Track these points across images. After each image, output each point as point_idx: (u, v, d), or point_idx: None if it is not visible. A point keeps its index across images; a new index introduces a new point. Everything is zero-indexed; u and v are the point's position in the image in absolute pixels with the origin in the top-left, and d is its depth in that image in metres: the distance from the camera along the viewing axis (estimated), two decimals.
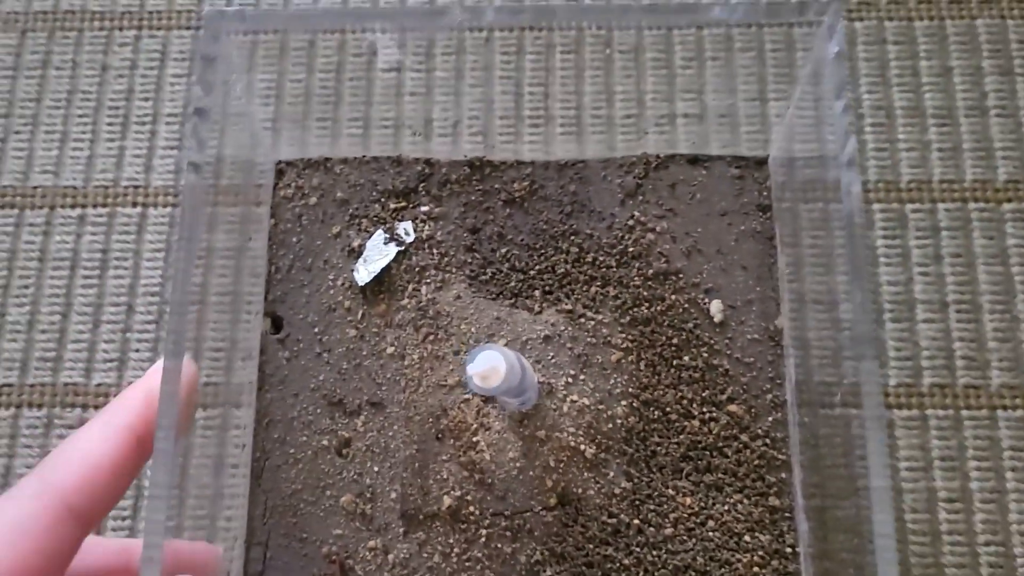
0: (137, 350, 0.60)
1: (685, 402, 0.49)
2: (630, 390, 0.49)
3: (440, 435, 0.49)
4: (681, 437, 0.49)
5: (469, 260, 0.52)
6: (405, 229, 0.52)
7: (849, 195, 0.40)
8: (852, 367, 0.40)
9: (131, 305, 0.61)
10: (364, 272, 0.51)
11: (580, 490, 0.48)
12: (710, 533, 0.47)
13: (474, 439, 0.48)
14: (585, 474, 0.48)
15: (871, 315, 0.40)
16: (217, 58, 0.43)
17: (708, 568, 0.47)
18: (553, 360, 0.49)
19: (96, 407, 0.59)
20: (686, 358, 0.50)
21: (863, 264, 0.40)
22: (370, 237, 0.52)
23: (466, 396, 0.49)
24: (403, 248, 0.52)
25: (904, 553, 0.54)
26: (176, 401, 0.39)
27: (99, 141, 0.64)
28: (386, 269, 0.51)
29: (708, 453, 0.48)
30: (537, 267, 0.52)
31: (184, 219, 0.42)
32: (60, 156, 0.64)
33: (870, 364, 0.38)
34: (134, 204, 0.63)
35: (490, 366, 0.41)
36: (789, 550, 0.47)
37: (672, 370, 0.50)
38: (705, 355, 0.50)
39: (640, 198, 0.52)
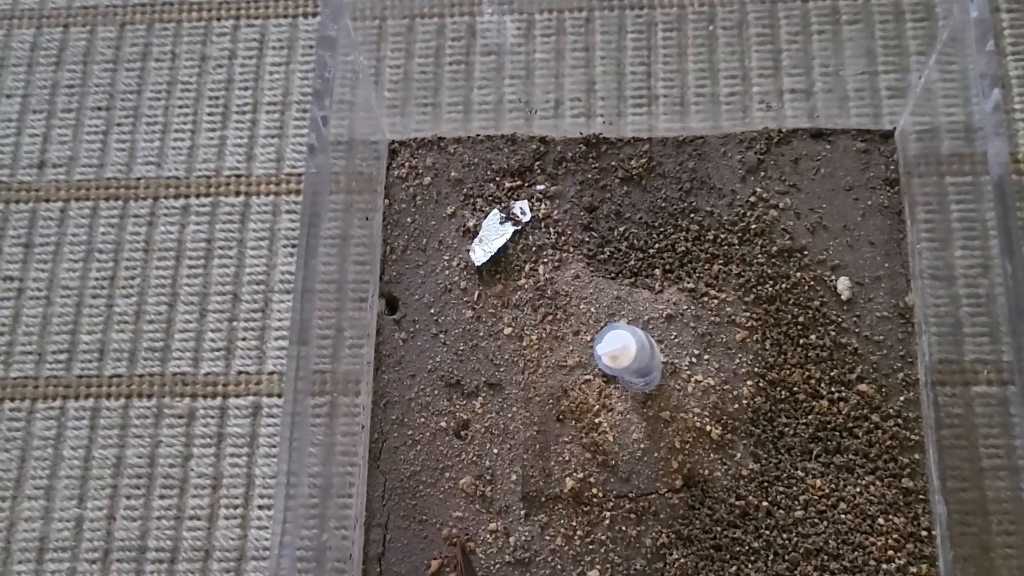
0: (244, 339, 0.60)
1: (813, 382, 0.48)
2: (755, 370, 0.48)
3: (561, 416, 0.48)
4: (809, 418, 0.47)
5: (587, 239, 0.51)
6: (521, 208, 0.52)
7: (997, 165, 0.39)
8: (1000, 344, 0.38)
9: (236, 294, 0.61)
10: (480, 252, 0.51)
11: (706, 472, 0.47)
12: (842, 516, 0.46)
13: (596, 420, 0.48)
14: (711, 455, 0.47)
15: (1022, 290, 0.38)
16: (337, 41, 0.43)
17: (841, 551, 0.46)
18: (676, 340, 0.48)
19: (204, 396, 0.59)
20: (813, 337, 0.49)
21: (1015, 236, 0.38)
22: (485, 217, 0.52)
23: (587, 377, 0.48)
24: (519, 227, 0.51)
25: (1022, 533, 0.52)
26: (304, 386, 0.39)
27: (200, 131, 0.64)
28: (502, 249, 0.51)
29: (838, 434, 0.47)
30: (656, 245, 0.51)
31: (309, 204, 0.42)
32: (162, 147, 0.64)
33: (1020, 340, 0.37)
34: (237, 193, 0.63)
35: (621, 345, 0.40)
36: (925, 533, 0.46)
37: (799, 349, 0.48)
38: (833, 333, 0.49)
39: (762, 174, 0.51)
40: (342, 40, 0.45)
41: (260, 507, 0.55)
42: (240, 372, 0.57)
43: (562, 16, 0.60)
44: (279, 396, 0.54)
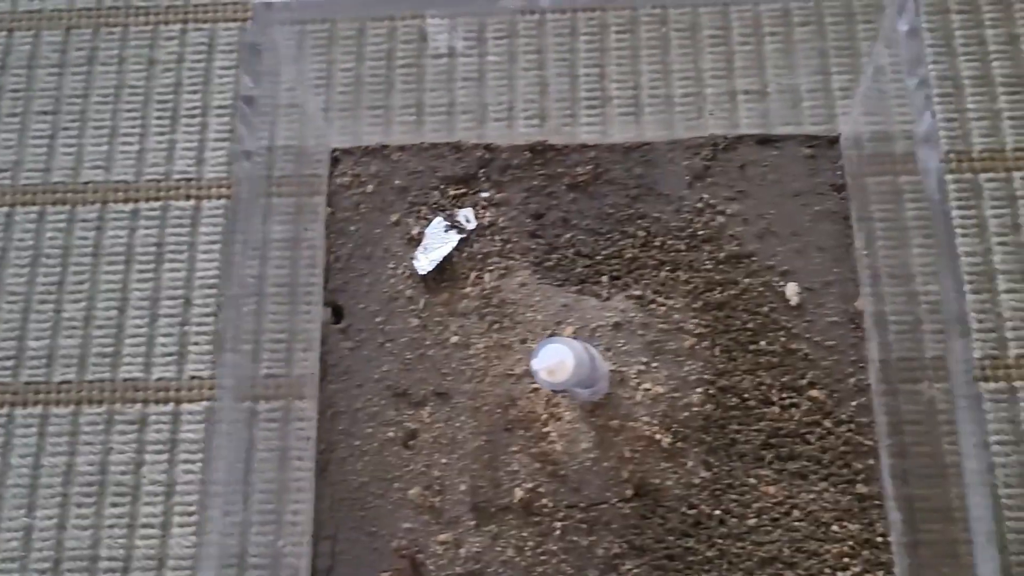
0: (196, 343, 0.59)
1: (764, 388, 0.48)
2: (705, 377, 0.47)
3: (509, 426, 0.48)
4: (761, 424, 0.47)
5: (533, 246, 0.51)
6: (466, 216, 0.51)
7: (928, 172, 0.39)
8: (937, 345, 0.38)
9: (188, 298, 0.60)
10: (425, 260, 0.50)
11: (658, 480, 0.46)
12: (796, 523, 0.46)
13: (545, 430, 0.47)
14: (662, 464, 0.46)
15: (960, 293, 0.38)
16: (264, 48, 0.43)
17: (796, 559, 0.45)
18: (624, 348, 0.48)
19: (156, 402, 0.58)
20: (763, 343, 0.48)
21: (950, 240, 0.38)
22: (429, 225, 0.51)
23: (535, 386, 0.48)
24: (464, 235, 0.51)
25: (1000, 531, 0.52)
26: (234, 395, 0.38)
27: (149, 135, 0.64)
28: (447, 257, 0.50)
29: (790, 440, 0.47)
30: (604, 252, 0.50)
31: (238, 209, 0.41)
32: (110, 151, 0.63)
33: (958, 343, 0.37)
34: (187, 197, 0.62)
35: (557, 360, 0.39)
36: (880, 539, 0.45)
37: (749, 355, 0.48)
38: (783, 339, 0.48)
39: (709, 180, 0.51)
40: (282, 46, 0.44)
41: (224, 514, 0.54)
42: (193, 377, 0.57)
43: (514, 22, 0.60)
44: (265, 400, 0.53)
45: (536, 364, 0.40)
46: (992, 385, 0.54)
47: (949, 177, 0.58)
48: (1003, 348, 0.55)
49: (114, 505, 0.57)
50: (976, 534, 0.34)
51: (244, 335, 0.40)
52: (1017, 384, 0.54)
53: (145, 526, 0.56)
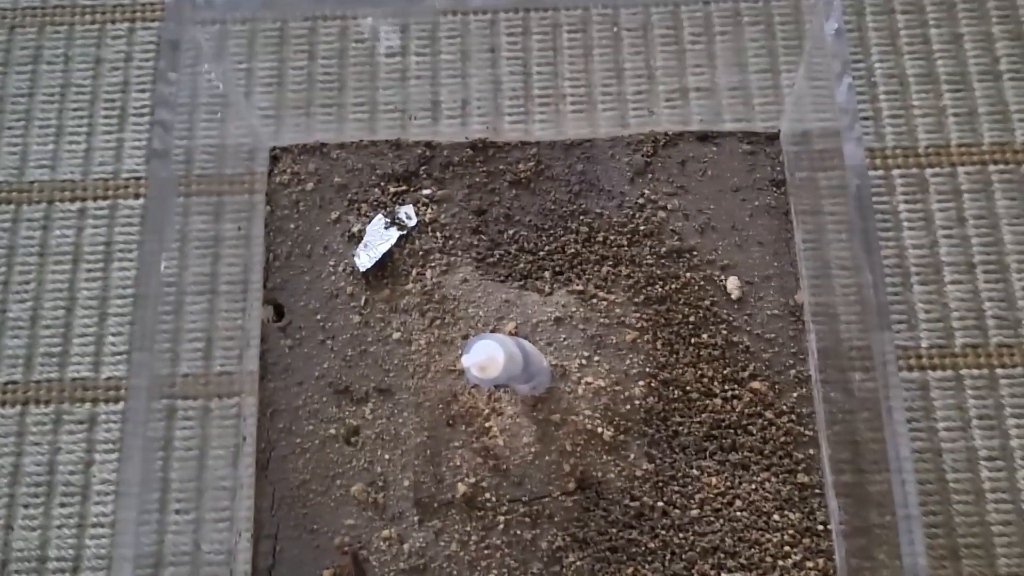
0: None
1: (706, 380, 0.48)
2: (647, 370, 0.47)
3: (451, 421, 0.47)
4: (703, 416, 0.47)
5: (475, 242, 0.50)
6: (407, 213, 0.51)
7: (854, 170, 0.39)
8: (866, 337, 0.38)
9: (138, 306, 0.59)
10: (365, 257, 0.50)
11: (600, 473, 0.46)
12: (738, 513, 0.46)
13: (487, 424, 0.47)
14: (604, 457, 0.46)
15: (882, 287, 0.38)
16: (181, 45, 0.42)
17: (737, 549, 0.45)
18: (566, 342, 0.48)
19: (106, 401, 0.58)
20: (704, 336, 0.48)
21: (868, 236, 0.38)
22: (370, 222, 0.51)
23: None
24: (405, 232, 0.50)
25: (947, 513, 0.53)
26: (146, 394, 0.38)
27: (96, 134, 0.63)
28: (388, 254, 0.50)
29: (732, 432, 0.47)
30: (546, 248, 0.50)
31: (151, 207, 0.41)
32: (56, 150, 0.63)
33: (882, 335, 0.37)
34: (136, 195, 0.62)
35: (487, 355, 0.39)
36: (821, 527, 0.45)
37: (690, 348, 0.48)
38: (724, 332, 0.48)
39: (650, 176, 0.51)
40: (205, 45, 0.44)
41: (176, 511, 0.54)
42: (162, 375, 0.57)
43: (446, 21, 0.60)
44: (193, 399, 0.53)
45: (466, 361, 0.39)
46: (940, 373, 0.55)
47: (896, 172, 0.59)
48: (950, 338, 0.56)
49: (63, 505, 0.56)
50: (901, 519, 0.35)
51: (164, 334, 0.40)
52: (963, 372, 0.55)
53: (95, 525, 0.56)
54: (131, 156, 0.63)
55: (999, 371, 0.55)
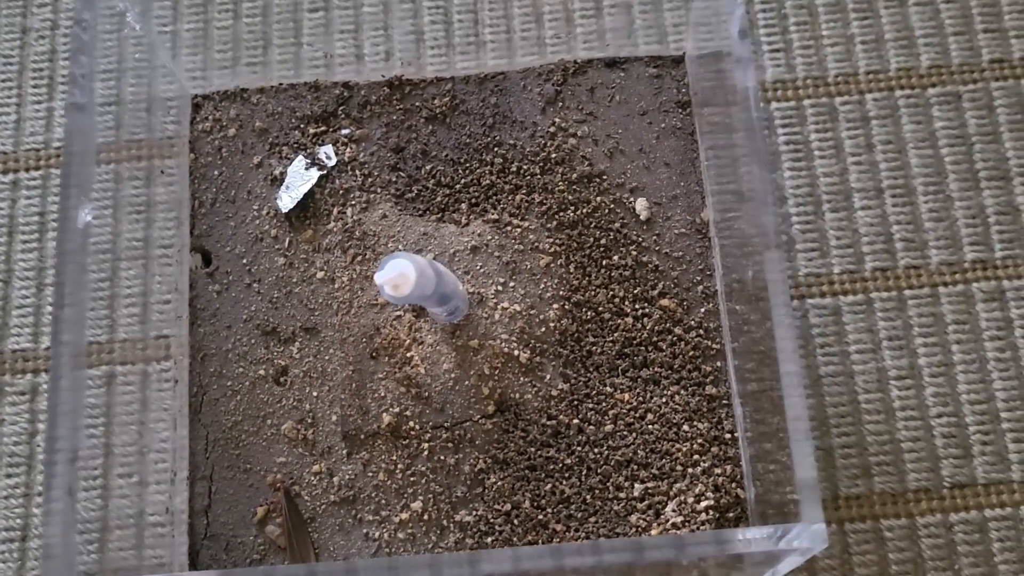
0: (91, 309, 0.59)
1: (617, 300, 0.49)
2: (561, 293, 0.49)
3: (375, 354, 0.49)
4: (615, 335, 0.48)
5: (394, 179, 0.52)
6: (326, 153, 0.52)
7: (746, 92, 0.40)
8: (762, 256, 0.40)
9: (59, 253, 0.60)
10: (287, 199, 0.51)
11: (517, 395, 0.47)
12: (649, 426, 0.47)
13: (408, 355, 0.48)
14: (521, 379, 0.48)
15: (773, 207, 0.40)
16: None
17: (650, 460, 0.47)
18: (482, 270, 0.49)
19: (46, 371, 0.58)
20: (615, 257, 0.50)
21: (760, 158, 0.40)
22: (291, 164, 0.52)
23: (398, 313, 0.49)
24: (325, 172, 0.51)
25: (859, 433, 0.54)
26: (71, 350, 0.38)
27: (26, 104, 0.64)
28: (309, 194, 0.51)
29: (643, 348, 0.48)
30: (463, 181, 0.51)
31: (71, 163, 0.41)
32: None
33: (774, 254, 0.39)
34: None
35: (398, 272, 0.40)
36: (728, 436, 0.47)
37: (602, 270, 0.49)
38: (634, 253, 0.50)
39: (560, 104, 0.52)
40: None
41: (120, 476, 0.54)
42: (88, 343, 0.57)
43: None
44: (131, 364, 0.53)
45: (379, 278, 0.40)
46: (851, 298, 0.57)
47: (807, 102, 0.60)
48: (860, 263, 0.57)
49: (8, 476, 0.57)
50: (793, 432, 0.36)
51: (101, 300, 0.41)
52: (873, 295, 0.57)
53: (41, 494, 0.57)
54: (61, 125, 0.63)
55: (907, 292, 0.56)
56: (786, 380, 0.38)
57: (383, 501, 0.47)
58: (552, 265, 0.49)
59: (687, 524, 0.45)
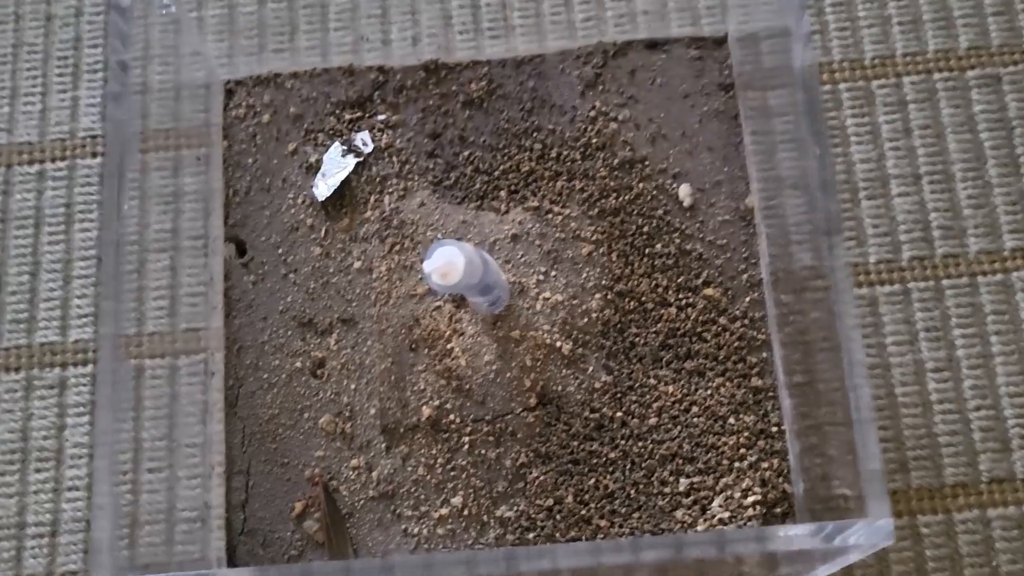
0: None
1: (660, 290, 0.48)
2: (603, 282, 0.48)
3: (414, 345, 0.48)
4: (659, 326, 0.48)
5: (431, 166, 0.51)
6: (363, 139, 0.51)
7: (805, 72, 0.39)
8: (821, 246, 0.39)
9: (101, 258, 0.59)
10: (324, 187, 0.50)
11: (560, 388, 0.47)
12: (695, 419, 0.46)
13: (448, 346, 0.47)
14: (564, 371, 0.47)
15: (834, 191, 0.39)
16: None
17: (695, 454, 0.46)
18: (523, 259, 0.48)
19: (75, 364, 0.58)
20: (658, 245, 0.49)
21: (821, 141, 0.39)
22: (327, 151, 0.51)
23: (437, 304, 0.48)
24: (362, 159, 0.51)
25: (896, 427, 0.53)
26: (118, 342, 0.38)
27: (51, 93, 0.63)
28: (346, 182, 0.50)
29: (687, 339, 0.48)
30: (501, 167, 0.50)
31: (112, 153, 0.41)
32: (12, 112, 0.63)
33: (838, 240, 0.38)
34: (94, 154, 0.62)
35: (447, 261, 0.40)
36: (775, 429, 0.46)
37: (645, 259, 0.49)
38: (677, 241, 0.49)
39: (600, 88, 0.51)
40: None
41: (149, 471, 0.54)
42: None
43: None
44: (160, 357, 0.53)
45: (427, 266, 0.40)
46: (888, 288, 0.56)
47: (843, 86, 0.59)
48: (897, 252, 0.56)
49: (38, 471, 0.56)
50: (858, 421, 0.36)
51: (130, 293, 0.40)
52: (911, 286, 0.56)
53: (71, 489, 0.56)
54: (87, 114, 0.63)
55: (944, 282, 0.55)
56: (852, 371, 0.37)
57: (422, 496, 0.47)
58: (594, 254, 0.48)
59: (734, 520, 0.45)
